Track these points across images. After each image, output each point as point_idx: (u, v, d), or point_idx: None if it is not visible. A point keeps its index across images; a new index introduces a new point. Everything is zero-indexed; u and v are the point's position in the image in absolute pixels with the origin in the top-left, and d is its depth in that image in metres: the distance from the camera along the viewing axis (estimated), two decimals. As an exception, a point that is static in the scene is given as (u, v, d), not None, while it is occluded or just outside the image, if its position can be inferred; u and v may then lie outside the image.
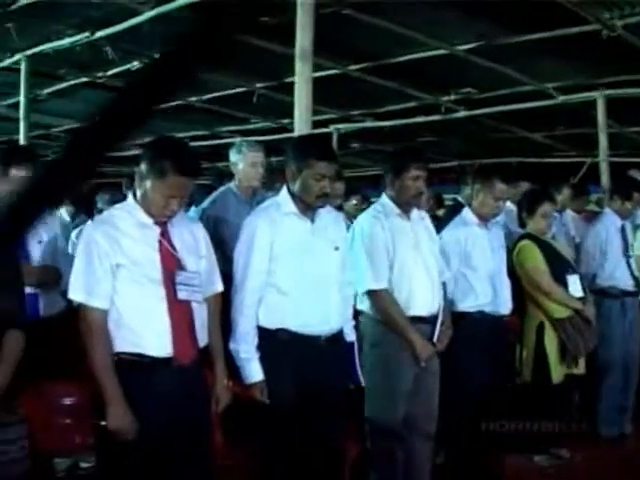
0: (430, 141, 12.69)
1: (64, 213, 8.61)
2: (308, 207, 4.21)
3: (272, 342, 4.13)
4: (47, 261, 4.80)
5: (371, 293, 4.71)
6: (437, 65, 8.60)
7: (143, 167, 3.60)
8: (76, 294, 3.61)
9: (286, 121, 11.21)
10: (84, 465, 4.09)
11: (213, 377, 3.86)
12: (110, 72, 9.40)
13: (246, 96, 10.16)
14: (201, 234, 3.91)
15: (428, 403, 4.83)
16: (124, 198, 7.39)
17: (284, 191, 4.28)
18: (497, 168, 6.53)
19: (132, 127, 0.72)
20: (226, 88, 10.01)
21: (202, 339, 3.72)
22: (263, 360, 4.12)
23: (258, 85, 9.80)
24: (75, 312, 5.03)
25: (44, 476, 3.93)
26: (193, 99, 10.58)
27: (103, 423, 3.50)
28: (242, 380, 4.13)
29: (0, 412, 3.17)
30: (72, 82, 10.16)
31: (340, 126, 11.18)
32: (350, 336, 4.44)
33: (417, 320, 4.75)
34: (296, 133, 5.41)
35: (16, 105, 10.09)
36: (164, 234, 3.67)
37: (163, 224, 3.67)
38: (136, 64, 8.80)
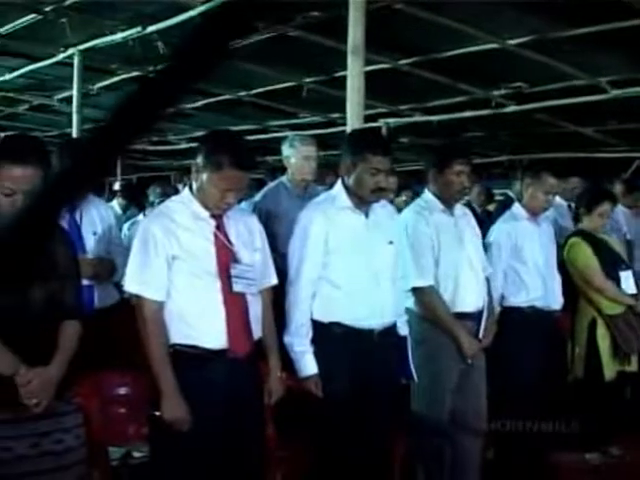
0: (479, 136, 12.62)
1: (116, 206, 8.70)
2: (363, 201, 4.20)
3: (326, 336, 4.14)
4: (102, 253, 4.86)
5: (416, 290, 4.69)
6: (488, 59, 8.54)
7: (199, 160, 3.63)
8: (132, 286, 3.65)
9: (335, 115, 11.24)
10: (137, 454, 4.13)
11: (267, 370, 3.89)
12: (160, 66, 9.46)
13: (295, 90, 10.17)
14: (256, 227, 3.93)
15: (475, 399, 4.81)
16: (175, 191, 7.52)
17: (339, 185, 4.28)
18: (547, 163, 6.47)
19: (147, 125, 0.73)
20: (275, 82, 10.03)
21: (256, 331, 3.74)
22: (317, 354, 4.13)
23: (307, 79, 9.81)
24: (128, 304, 5.12)
25: (98, 464, 3.96)
26: (242, 93, 10.62)
27: (157, 414, 3.54)
28: (296, 373, 4.15)
29: (56, 401, 3.21)
30: (123, 76, 10.24)
31: (389, 120, 11.15)
32: (403, 330, 4.42)
33: (463, 316, 4.74)
34: (348, 127, 5.43)
35: (68, 99, 10.21)
36: (219, 227, 3.69)
37: (219, 217, 3.69)
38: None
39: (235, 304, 3.64)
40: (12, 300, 3.13)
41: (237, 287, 3.63)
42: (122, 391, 4.48)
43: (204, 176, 3.60)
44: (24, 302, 3.14)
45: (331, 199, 4.27)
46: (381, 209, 4.34)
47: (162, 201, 7.09)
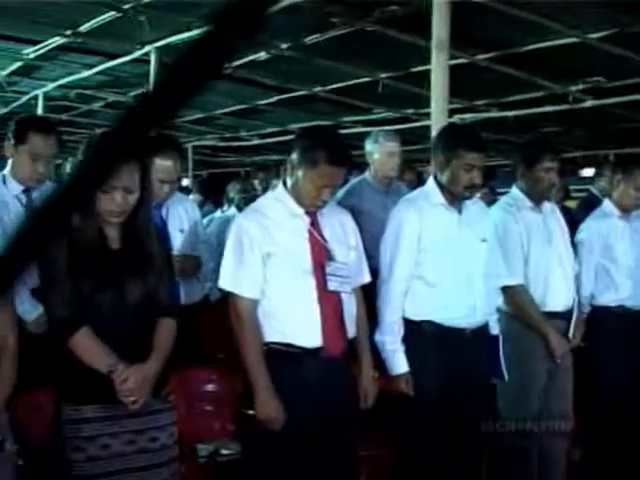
0: (553, 131, 12.42)
1: (192, 202, 8.71)
2: (456, 198, 4.14)
3: (417, 334, 4.09)
4: (187, 250, 4.85)
5: (506, 289, 4.61)
6: (567, 54, 8.37)
7: (295, 156, 3.58)
8: (226, 283, 3.62)
9: (409, 111, 11.16)
10: (224, 452, 4.12)
11: (358, 369, 3.84)
12: (236, 63, 9.43)
13: (370, 86, 10.09)
14: (350, 224, 3.88)
15: (562, 400, 4.73)
16: (253, 187, 7.51)
17: (431, 181, 4.22)
18: (638, 158, 6.31)
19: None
20: (351, 78, 9.97)
21: (351, 330, 3.70)
22: (408, 352, 4.08)
23: (383, 75, 9.72)
24: (207, 301, 5.13)
25: (187, 461, 3.97)
26: (317, 89, 10.58)
27: (251, 412, 3.52)
28: (386, 372, 4.11)
29: (152, 399, 3.20)
30: (198, 73, 10.24)
31: (465, 116, 10.98)
32: (494, 329, 4.35)
33: (552, 315, 4.66)
34: (432, 123, 5.35)
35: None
36: (314, 224, 3.65)
37: (313, 214, 3.65)
38: (263, 54, 8.85)
39: (330, 302, 3.60)
40: (110, 297, 3.14)
41: (332, 285, 3.59)
42: (208, 388, 4.49)
43: (299, 173, 3.56)
44: (122, 299, 3.15)
45: (424, 195, 4.21)
46: (473, 206, 4.27)
47: (243, 197, 7.14)
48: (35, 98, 11.73)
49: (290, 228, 3.62)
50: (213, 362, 4.86)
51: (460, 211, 4.17)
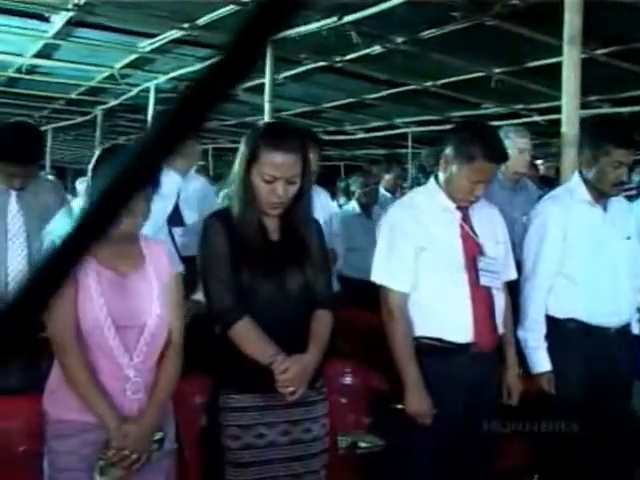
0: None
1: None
2: (601, 195, 4.10)
3: (560, 332, 4.05)
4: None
5: None
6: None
7: (449, 151, 3.59)
8: (379, 276, 3.65)
9: (519, 106, 11.04)
10: (362, 444, 4.13)
11: (502, 365, 3.83)
12: (348, 57, 9.44)
13: (481, 81, 10.00)
14: (498, 219, 3.87)
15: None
16: (374, 181, 7.50)
17: (576, 178, 4.18)
18: None
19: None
20: (463, 72, 9.89)
21: (500, 326, 3.69)
22: (550, 350, 4.05)
23: (497, 70, 9.63)
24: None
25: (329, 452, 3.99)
26: (428, 84, 10.52)
27: (399, 406, 3.53)
28: (527, 369, 4.08)
29: (308, 390, 3.22)
30: (309, 66, 10.24)
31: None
32: (635, 329, 4.29)
33: None
34: (563, 118, 5.28)
35: (251, 89, 10.31)
36: (465, 219, 3.66)
37: (464, 208, 3.66)
38: (377, 48, 8.83)
39: (481, 298, 3.60)
40: (270, 288, 3.17)
41: (484, 280, 3.59)
42: (344, 381, 4.49)
43: (454, 167, 3.57)
44: (281, 290, 3.18)
45: (569, 192, 4.17)
46: (617, 203, 4.22)
47: (364, 192, 7.16)
48: (146, 90, 11.89)
49: (442, 222, 3.63)
50: (341, 355, 4.87)
51: (605, 208, 4.13)
